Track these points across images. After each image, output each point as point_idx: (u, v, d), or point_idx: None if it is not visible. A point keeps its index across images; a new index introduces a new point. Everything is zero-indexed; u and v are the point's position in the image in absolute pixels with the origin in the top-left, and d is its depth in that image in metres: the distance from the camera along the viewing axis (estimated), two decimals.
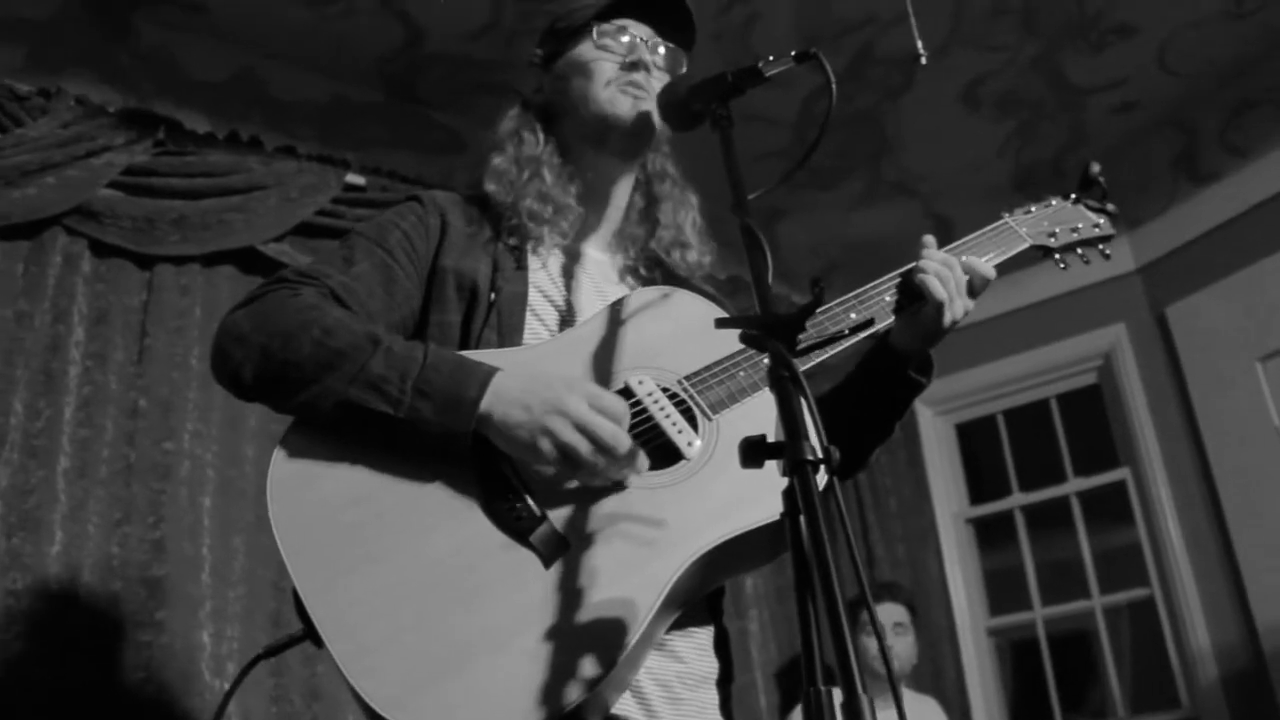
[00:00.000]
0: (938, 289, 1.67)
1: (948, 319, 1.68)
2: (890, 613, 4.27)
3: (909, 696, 4.21)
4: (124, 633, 2.92)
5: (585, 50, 1.77)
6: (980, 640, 5.06)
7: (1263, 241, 4.45)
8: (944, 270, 1.69)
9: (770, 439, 1.10)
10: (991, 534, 5.32)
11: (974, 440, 5.46)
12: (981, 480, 5.39)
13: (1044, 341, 5.11)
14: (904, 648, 4.26)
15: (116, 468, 3.06)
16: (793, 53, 1.54)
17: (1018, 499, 5.20)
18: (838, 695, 0.93)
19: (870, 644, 4.00)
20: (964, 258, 1.73)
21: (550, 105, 1.82)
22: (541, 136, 1.78)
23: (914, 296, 1.70)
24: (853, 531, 1.02)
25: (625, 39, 1.76)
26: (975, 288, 1.73)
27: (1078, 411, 5.16)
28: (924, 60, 2.41)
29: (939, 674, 4.81)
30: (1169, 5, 3.98)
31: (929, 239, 1.76)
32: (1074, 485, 5.08)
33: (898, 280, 1.72)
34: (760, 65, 1.55)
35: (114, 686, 2.84)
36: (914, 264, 1.72)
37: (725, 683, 1.62)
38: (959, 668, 4.91)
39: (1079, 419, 5.15)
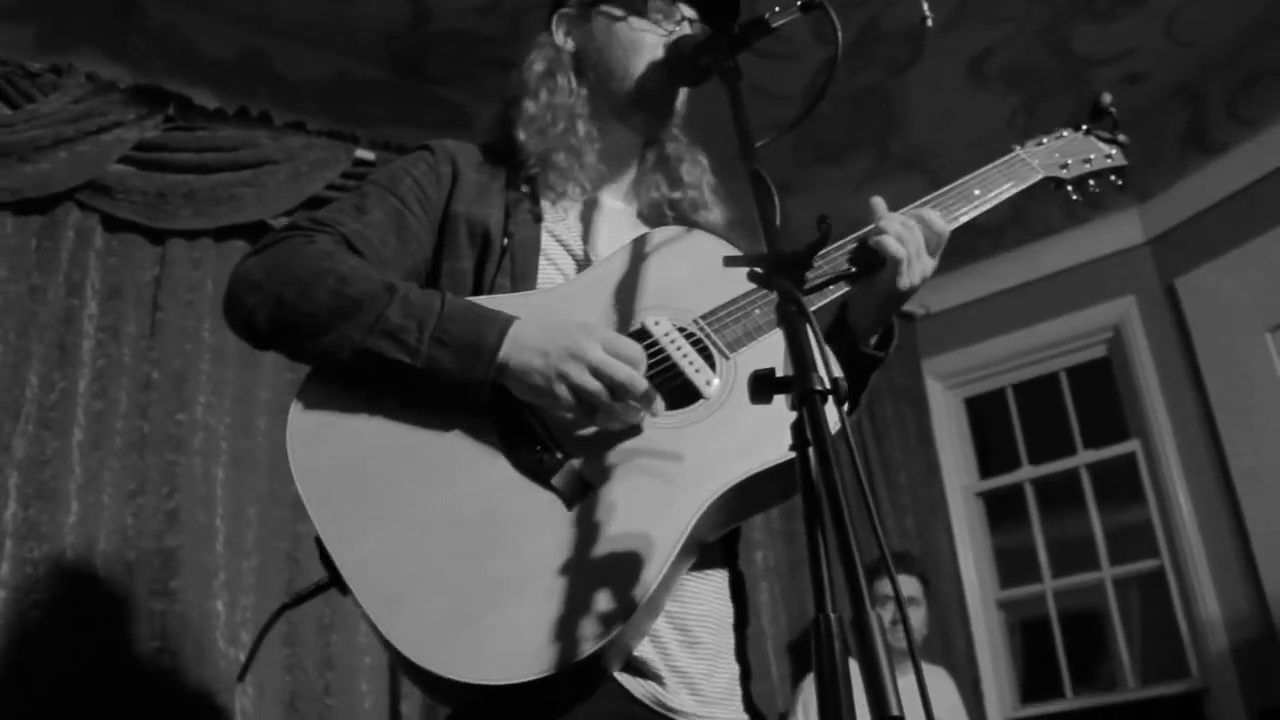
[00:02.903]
0: (896, 248, 1.58)
1: (905, 282, 1.60)
2: (902, 585, 4.28)
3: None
4: (139, 602, 2.95)
5: (633, 20, 1.74)
6: (990, 612, 5.08)
7: (1272, 212, 4.44)
8: (903, 231, 1.61)
9: (780, 374, 1.11)
10: (1001, 508, 5.32)
11: (983, 414, 5.47)
12: (991, 454, 5.40)
13: (1053, 315, 5.11)
14: (914, 620, 4.26)
15: (130, 439, 3.10)
16: (799, 2, 1.54)
17: (1027, 472, 5.21)
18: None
19: (884, 615, 3.98)
20: (920, 213, 1.66)
21: (581, 54, 1.79)
22: (575, 84, 1.76)
23: (871, 262, 1.62)
24: (867, 494, 1.02)
25: (676, 19, 1.75)
26: (932, 246, 1.65)
27: (1087, 384, 5.16)
28: (930, 22, 2.39)
29: (949, 646, 4.82)
30: None
31: (877, 200, 1.67)
32: (1084, 458, 5.08)
33: (854, 245, 1.65)
34: (766, 16, 1.56)
35: (129, 655, 2.88)
36: (869, 228, 1.65)
37: (741, 627, 1.62)
38: (969, 640, 4.93)
39: (1089, 392, 5.15)
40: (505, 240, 1.61)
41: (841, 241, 1.66)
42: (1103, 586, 4.92)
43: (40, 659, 2.74)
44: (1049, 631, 4.98)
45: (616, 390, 1.37)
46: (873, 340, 1.70)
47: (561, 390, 1.37)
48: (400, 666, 1.33)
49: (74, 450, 2.97)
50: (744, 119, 1.45)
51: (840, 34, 1.50)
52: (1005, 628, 5.12)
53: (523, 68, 1.79)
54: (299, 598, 1.68)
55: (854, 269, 1.54)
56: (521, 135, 1.71)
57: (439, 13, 3.83)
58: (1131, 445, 4.91)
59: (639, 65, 1.72)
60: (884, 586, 4.01)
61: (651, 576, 1.31)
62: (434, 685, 1.29)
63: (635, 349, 1.41)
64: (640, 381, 1.39)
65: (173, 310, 3.27)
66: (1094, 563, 4.94)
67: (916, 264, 1.61)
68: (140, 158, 3.27)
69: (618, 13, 1.76)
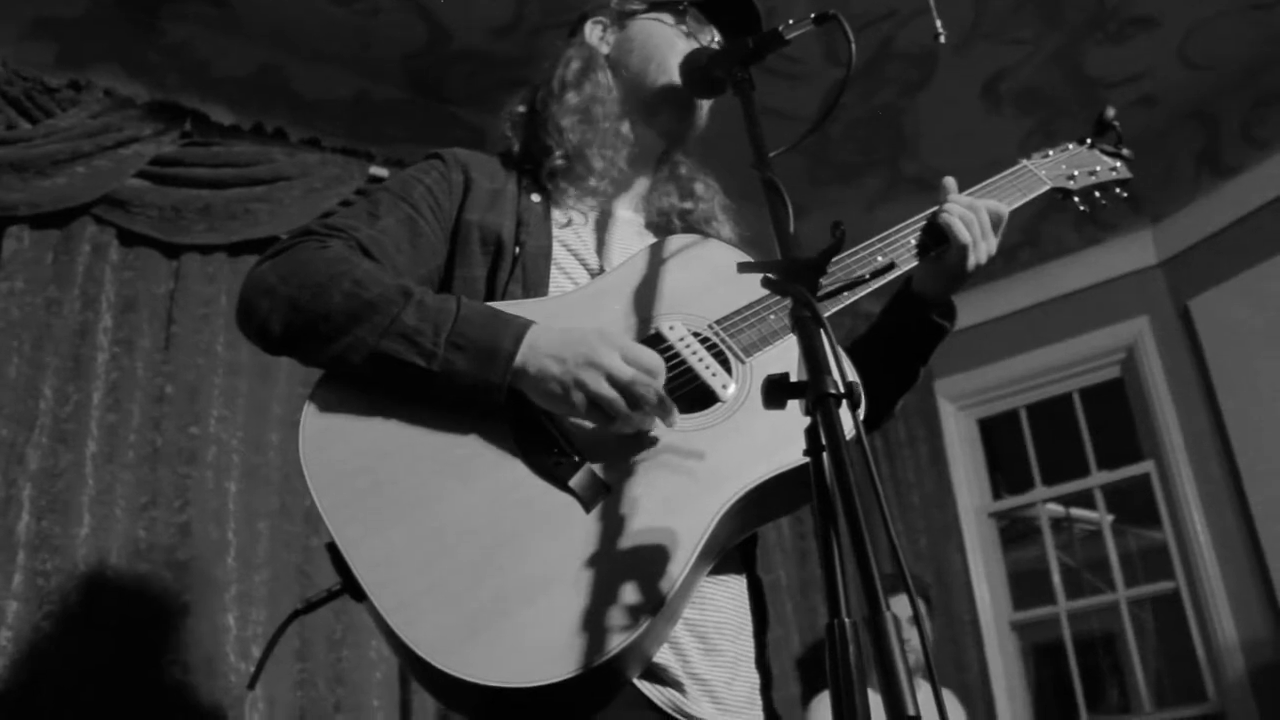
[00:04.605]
0: (963, 231, 1.68)
1: (972, 261, 1.69)
2: (906, 605, 4.25)
3: (925, 688, 4.19)
4: (150, 615, 2.94)
5: (672, 28, 1.80)
6: (1004, 634, 5.03)
7: None
8: (968, 214, 1.70)
9: (795, 379, 1.11)
10: (1015, 529, 5.29)
11: (996, 435, 5.44)
12: (1005, 475, 5.37)
13: (1066, 335, 5.09)
14: (914, 640, 4.24)
15: (144, 452, 3.11)
16: (812, 15, 1.56)
17: (1041, 493, 5.18)
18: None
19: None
20: (984, 200, 1.74)
21: (614, 57, 1.83)
22: (611, 82, 1.79)
23: (938, 239, 1.70)
24: (878, 513, 1.02)
25: (707, 36, 1.80)
26: (994, 225, 1.74)
27: (1101, 406, 5.14)
28: (943, 39, 2.41)
29: (962, 669, 4.79)
30: None
31: (949, 181, 1.76)
32: (1098, 479, 5.05)
33: (922, 223, 1.72)
34: (781, 29, 1.57)
35: (140, 668, 2.87)
36: (937, 207, 1.73)
37: (761, 633, 1.61)
38: (983, 662, 4.89)
39: (1102, 413, 5.12)
40: (517, 249, 1.62)
41: (908, 222, 1.72)
42: (1117, 609, 4.89)
43: (51, 671, 2.73)
44: (1063, 654, 4.94)
45: (633, 400, 1.37)
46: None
47: (578, 398, 1.37)
48: (414, 672, 1.32)
49: (87, 463, 2.97)
50: (758, 129, 1.46)
51: (854, 44, 1.51)
52: (1019, 650, 5.08)
53: (558, 65, 1.82)
54: (311, 604, 1.67)
55: (868, 277, 1.55)
56: (565, 122, 1.73)
57: (456, 33, 3.86)
58: (1146, 466, 4.88)
59: (672, 62, 1.75)
60: (894, 605, 3.98)
61: (672, 579, 1.30)
62: (452, 690, 1.27)
63: (655, 359, 1.41)
64: (656, 390, 1.39)
65: (187, 324, 3.28)
66: (1109, 584, 4.90)
67: (983, 244, 1.71)
68: (156, 172, 3.30)
69: (666, 19, 1.82)
